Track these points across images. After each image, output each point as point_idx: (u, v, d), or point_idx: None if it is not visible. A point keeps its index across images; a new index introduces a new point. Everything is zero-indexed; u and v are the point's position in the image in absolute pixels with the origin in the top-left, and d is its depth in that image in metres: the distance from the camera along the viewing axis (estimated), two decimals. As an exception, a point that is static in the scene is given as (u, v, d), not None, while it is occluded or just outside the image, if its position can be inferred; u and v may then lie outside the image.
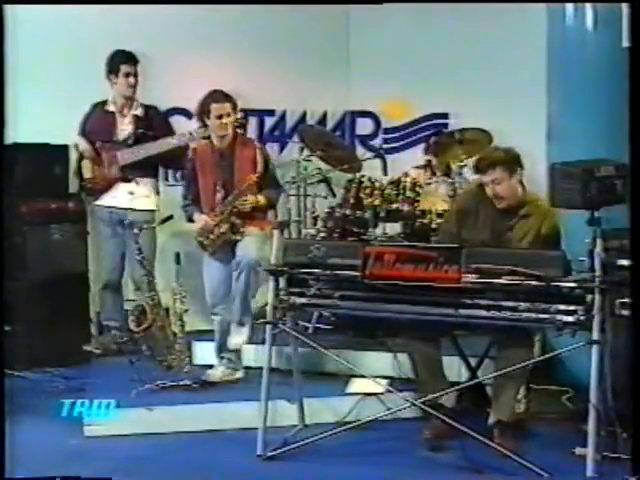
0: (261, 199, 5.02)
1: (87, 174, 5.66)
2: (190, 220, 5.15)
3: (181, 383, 4.89)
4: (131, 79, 5.59)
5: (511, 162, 4.36)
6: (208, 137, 5.12)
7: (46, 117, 5.65)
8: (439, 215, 5.46)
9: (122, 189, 5.62)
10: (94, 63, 5.78)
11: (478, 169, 4.42)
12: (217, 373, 5.11)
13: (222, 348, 5.15)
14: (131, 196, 5.59)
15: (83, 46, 5.93)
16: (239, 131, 5.05)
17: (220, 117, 4.94)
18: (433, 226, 5.47)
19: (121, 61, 5.58)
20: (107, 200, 5.66)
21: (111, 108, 5.69)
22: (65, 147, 5.75)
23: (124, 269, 5.75)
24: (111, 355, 5.56)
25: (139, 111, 5.68)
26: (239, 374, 5.11)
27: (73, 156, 5.70)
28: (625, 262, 3.93)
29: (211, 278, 5.09)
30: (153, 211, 5.64)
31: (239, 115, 5.00)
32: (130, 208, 5.59)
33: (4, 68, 3.68)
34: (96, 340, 5.73)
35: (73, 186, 5.77)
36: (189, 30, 6.18)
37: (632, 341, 3.56)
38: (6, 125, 3.96)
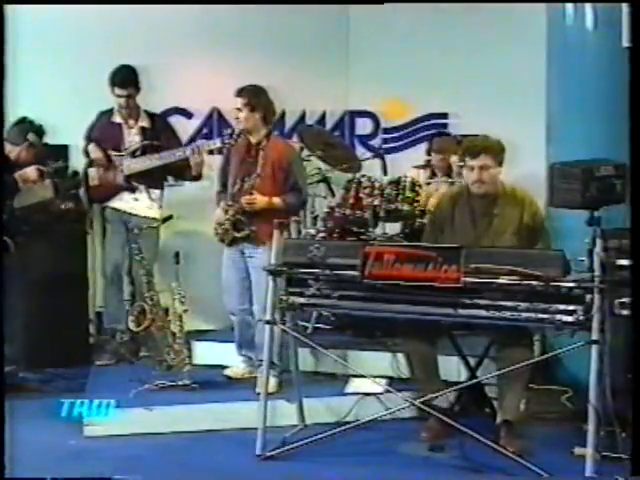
0: (277, 202, 4.94)
1: (93, 182, 5.67)
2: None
3: (180, 383, 4.88)
4: (122, 101, 5.60)
5: (500, 153, 4.44)
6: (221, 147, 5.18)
7: (46, 117, 5.64)
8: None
9: (127, 196, 5.64)
10: (93, 63, 5.82)
11: (469, 152, 4.44)
12: (238, 370, 5.15)
13: (242, 346, 5.15)
14: (136, 202, 5.62)
15: (82, 45, 5.97)
16: (270, 129, 5.02)
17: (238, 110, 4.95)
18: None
19: (114, 83, 5.58)
20: (114, 202, 5.68)
21: (117, 119, 5.71)
22: (65, 147, 5.77)
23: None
24: (124, 362, 5.50)
25: (146, 122, 5.70)
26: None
27: (82, 162, 5.70)
28: (624, 262, 3.93)
29: (226, 275, 5.08)
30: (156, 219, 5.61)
31: (259, 114, 4.92)
32: (134, 214, 5.60)
33: (4, 68, 3.68)
34: (102, 348, 5.71)
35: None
36: (189, 30, 6.19)
37: (632, 341, 3.55)
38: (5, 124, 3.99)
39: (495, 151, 4.42)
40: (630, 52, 3.98)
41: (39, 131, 5.20)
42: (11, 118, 5.03)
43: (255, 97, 4.95)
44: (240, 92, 4.95)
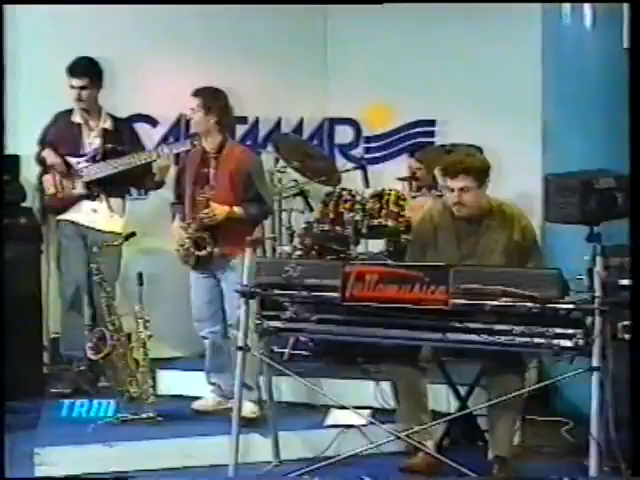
0: (238, 212, 4.91)
1: (50, 190, 5.61)
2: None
3: (144, 416, 4.83)
4: (78, 93, 5.52)
5: (483, 172, 4.39)
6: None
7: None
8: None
9: (86, 206, 5.58)
10: (51, 70, 5.75)
11: (448, 172, 4.41)
12: (207, 403, 5.10)
13: (212, 372, 5.12)
14: (94, 214, 5.56)
15: (41, 51, 5.92)
16: (226, 136, 5.01)
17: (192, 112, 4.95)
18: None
19: (69, 73, 5.51)
20: (71, 215, 5.61)
21: (77, 119, 5.64)
22: (16, 157, 5.70)
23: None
24: (81, 393, 5.39)
25: (108, 124, 5.65)
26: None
27: (36, 169, 5.64)
28: (627, 282, 3.92)
29: (195, 296, 5.07)
30: (117, 233, 5.55)
31: (214, 117, 4.91)
32: (92, 227, 5.55)
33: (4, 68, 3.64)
34: (58, 377, 5.64)
35: (27, 201, 5.71)
36: (158, 34, 6.18)
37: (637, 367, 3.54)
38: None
39: (476, 171, 4.36)
40: (630, 53, 3.99)
41: None
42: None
43: (212, 99, 4.93)
44: (196, 92, 4.95)
